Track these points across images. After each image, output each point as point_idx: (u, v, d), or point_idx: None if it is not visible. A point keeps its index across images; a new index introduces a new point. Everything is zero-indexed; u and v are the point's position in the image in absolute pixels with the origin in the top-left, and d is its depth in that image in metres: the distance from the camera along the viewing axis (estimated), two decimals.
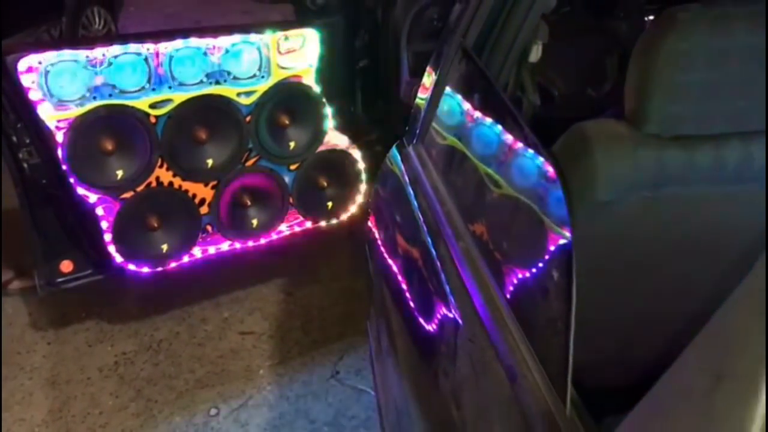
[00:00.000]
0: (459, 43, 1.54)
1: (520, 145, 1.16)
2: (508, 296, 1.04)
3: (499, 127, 1.26)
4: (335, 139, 2.43)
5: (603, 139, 1.10)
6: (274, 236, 2.45)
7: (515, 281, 1.05)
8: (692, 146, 1.08)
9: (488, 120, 1.32)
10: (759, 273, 0.48)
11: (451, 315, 1.17)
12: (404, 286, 1.48)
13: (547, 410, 0.81)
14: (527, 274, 1.04)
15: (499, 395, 0.94)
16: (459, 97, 1.53)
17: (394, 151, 1.76)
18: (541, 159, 1.05)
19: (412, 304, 1.42)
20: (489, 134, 1.30)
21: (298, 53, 2.25)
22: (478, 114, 1.39)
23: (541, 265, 0.97)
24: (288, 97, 2.28)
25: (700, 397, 0.49)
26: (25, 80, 1.88)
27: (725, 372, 0.47)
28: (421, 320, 1.33)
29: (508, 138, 1.21)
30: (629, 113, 1.10)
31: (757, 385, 0.44)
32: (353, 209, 2.56)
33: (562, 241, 0.91)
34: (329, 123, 2.37)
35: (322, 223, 2.53)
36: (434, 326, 1.24)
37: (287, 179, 2.38)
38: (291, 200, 2.42)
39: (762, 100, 1.04)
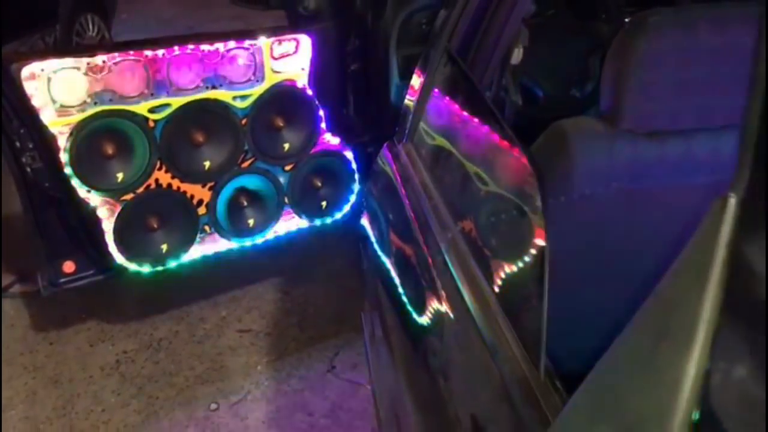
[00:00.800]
0: (444, 47, 1.61)
1: (500, 143, 1.23)
2: (494, 287, 1.11)
3: (482, 127, 1.33)
4: (328, 140, 2.49)
5: (580, 135, 1.18)
6: (270, 236, 2.50)
7: (496, 268, 1.12)
8: (664, 141, 1.16)
9: (471, 120, 1.39)
10: (694, 246, 0.55)
11: (439, 302, 1.24)
12: (396, 278, 1.55)
13: (523, 377, 0.89)
14: (507, 262, 1.10)
15: (482, 367, 1.01)
16: (445, 98, 1.60)
17: (384, 150, 1.82)
18: (520, 155, 1.12)
19: (403, 294, 1.48)
20: (472, 133, 1.37)
21: (291, 58, 2.31)
22: (462, 114, 1.46)
23: (519, 252, 1.04)
24: (282, 100, 2.33)
25: (644, 355, 0.57)
26: (29, 87, 1.93)
27: (665, 333, 0.55)
28: (412, 309, 1.40)
29: (490, 136, 1.28)
30: (605, 111, 1.17)
31: (692, 343, 0.52)
32: (346, 208, 2.62)
33: (538, 231, 0.98)
34: (322, 125, 2.43)
35: (317, 223, 2.59)
36: (424, 313, 1.31)
37: (282, 180, 2.44)
38: (286, 200, 2.47)
39: (728, 97, 1.12)
